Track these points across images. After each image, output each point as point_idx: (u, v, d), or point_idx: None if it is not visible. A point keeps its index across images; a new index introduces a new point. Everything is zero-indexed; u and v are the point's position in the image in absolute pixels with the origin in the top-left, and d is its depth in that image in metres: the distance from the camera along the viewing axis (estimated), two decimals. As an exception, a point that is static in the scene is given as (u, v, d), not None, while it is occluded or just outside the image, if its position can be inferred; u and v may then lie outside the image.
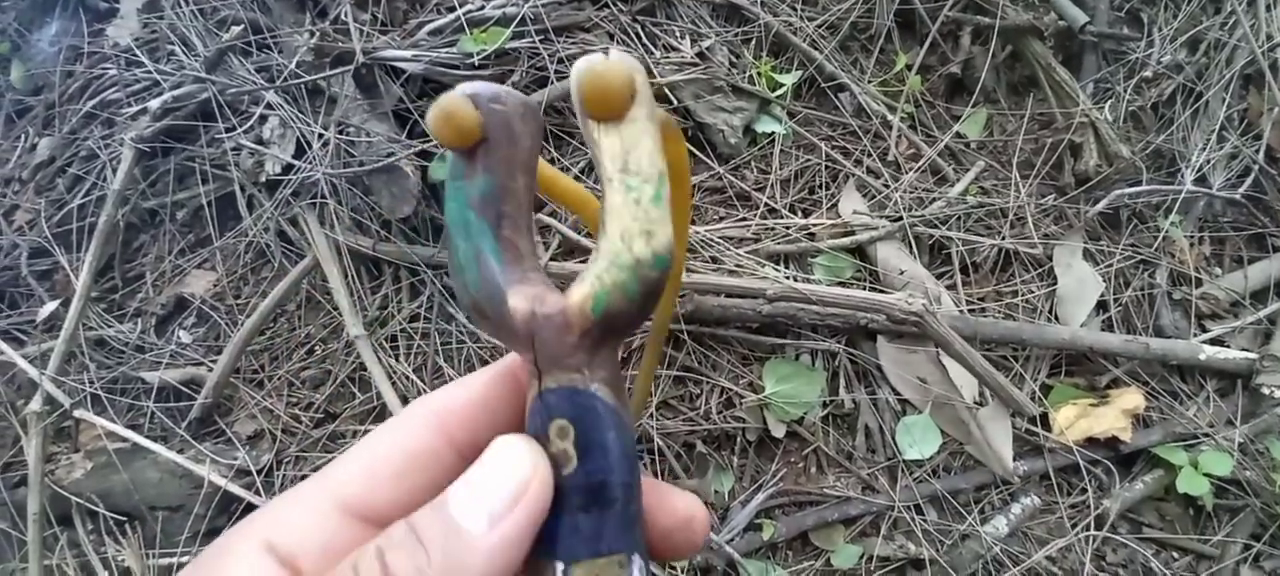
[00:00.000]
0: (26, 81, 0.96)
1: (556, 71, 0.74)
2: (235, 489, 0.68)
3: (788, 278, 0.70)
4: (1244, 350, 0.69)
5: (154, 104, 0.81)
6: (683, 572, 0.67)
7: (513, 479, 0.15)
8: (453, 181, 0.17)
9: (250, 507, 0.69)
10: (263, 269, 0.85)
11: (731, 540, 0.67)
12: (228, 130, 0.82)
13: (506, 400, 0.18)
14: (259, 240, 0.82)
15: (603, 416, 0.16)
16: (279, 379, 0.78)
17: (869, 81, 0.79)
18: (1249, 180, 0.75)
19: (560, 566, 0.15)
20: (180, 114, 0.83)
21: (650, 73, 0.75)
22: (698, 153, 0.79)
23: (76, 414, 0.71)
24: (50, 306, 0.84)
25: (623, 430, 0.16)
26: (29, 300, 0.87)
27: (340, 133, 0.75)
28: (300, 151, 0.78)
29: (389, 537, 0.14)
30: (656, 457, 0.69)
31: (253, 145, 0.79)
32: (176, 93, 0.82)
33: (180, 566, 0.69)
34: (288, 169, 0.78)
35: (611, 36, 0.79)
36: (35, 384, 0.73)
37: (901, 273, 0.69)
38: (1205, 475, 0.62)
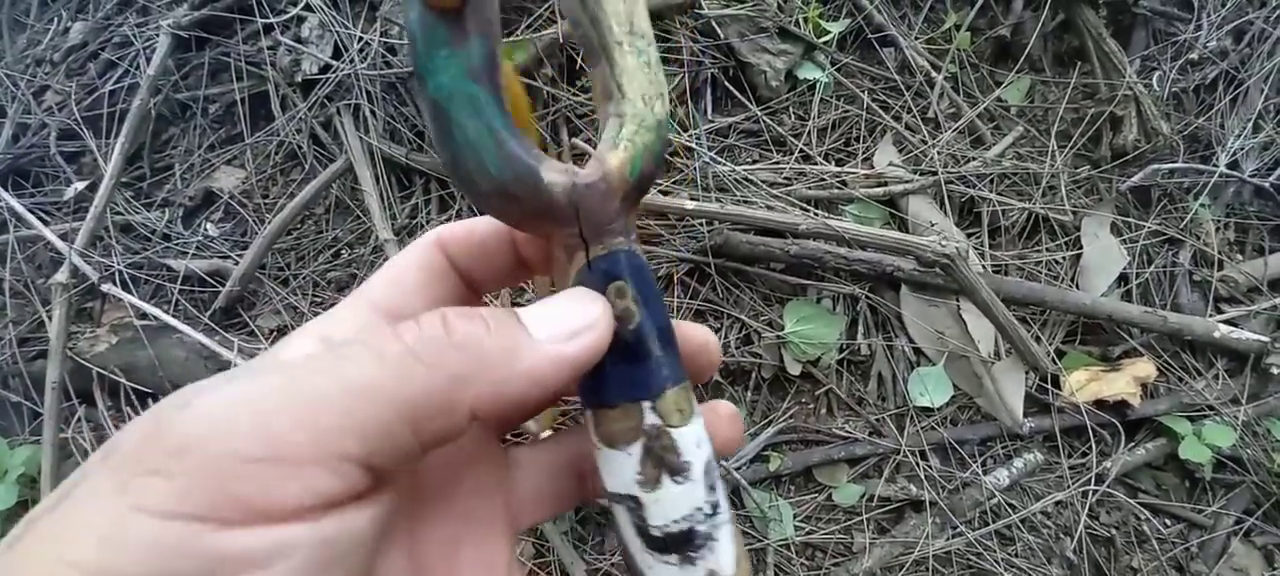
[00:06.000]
0: (61, -38, 0.94)
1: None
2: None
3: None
4: (1256, 334, 0.70)
5: (193, -9, 0.80)
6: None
7: (582, 317, 0.16)
8: (441, 50, 0.15)
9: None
10: (293, 170, 0.85)
11: (738, 467, 0.69)
12: (266, 29, 0.82)
13: (499, 240, 0.19)
14: (291, 141, 0.82)
15: (647, 269, 0.17)
16: (304, 278, 0.79)
17: (916, 38, 0.79)
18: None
19: (647, 405, 0.16)
20: (218, 5, 0.82)
21: (697, 4, 0.75)
22: (737, 93, 0.79)
23: (105, 288, 0.72)
24: (78, 186, 0.84)
25: (654, 277, 0.17)
26: (55, 180, 0.87)
27: (383, 35, 0.75)
28: (338, 54, 0.78)
29: (455, 308, 0.15)
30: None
31: (290, 43, 0.78)
32: (216, -19, 0.81)
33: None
34: (325, 69, 0.78)
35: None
36: (56, 263, 0.73)
37: (932, 225, 0.69)
38: (1208, 444, 0.64)
